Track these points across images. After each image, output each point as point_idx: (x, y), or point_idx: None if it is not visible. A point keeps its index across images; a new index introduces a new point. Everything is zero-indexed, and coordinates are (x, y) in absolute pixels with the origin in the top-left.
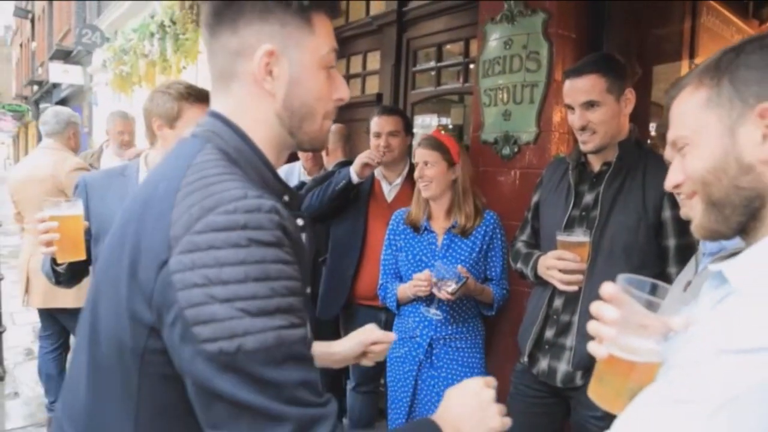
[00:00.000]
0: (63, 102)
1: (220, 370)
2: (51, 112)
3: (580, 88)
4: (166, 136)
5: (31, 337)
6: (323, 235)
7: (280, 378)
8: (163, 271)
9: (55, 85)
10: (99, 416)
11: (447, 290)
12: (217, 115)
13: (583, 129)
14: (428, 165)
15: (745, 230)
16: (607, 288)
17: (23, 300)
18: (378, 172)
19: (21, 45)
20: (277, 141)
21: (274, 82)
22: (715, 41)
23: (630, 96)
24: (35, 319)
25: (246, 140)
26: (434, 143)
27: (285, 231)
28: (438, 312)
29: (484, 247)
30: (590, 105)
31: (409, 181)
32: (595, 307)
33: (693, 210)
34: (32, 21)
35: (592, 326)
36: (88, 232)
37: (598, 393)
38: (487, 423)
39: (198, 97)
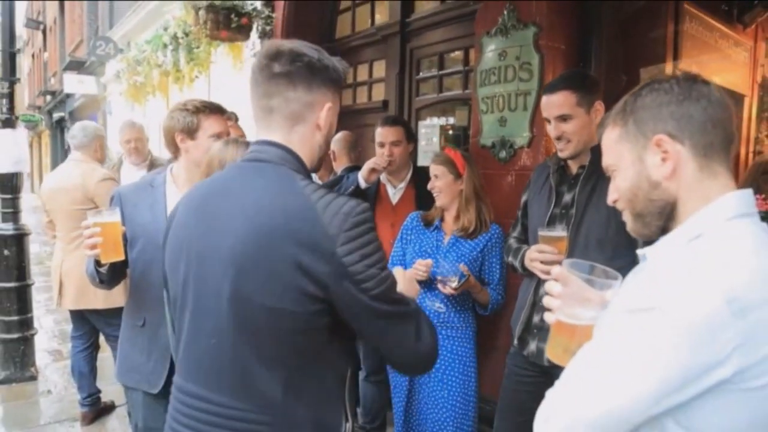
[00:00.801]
0: (77, 111)
1: (381, 301)
2: (78, 127)
3: (553, 103)
4: (189, 148)
5: (58, 340)
6: None
7: (399, 296)
8: (334, 258)
9: (69, 95)
10: (248, 368)
11: (451, 285)
12: (282, 147)
13: (558, 139)
14: (437, 177)
15: (666, 230)
16: (555, 270)
17: (56, 302)
18: (383, 177)
19: (33, 55)
20: (313, 163)
21: (325, 122)
22: (697, 46)
23: (599, 108)
24: (60, 323)
25: (304, 166)
26: (442, 159)
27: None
28: (442, 306)
29: (485, 251)
30: (563, 118)
31: (413, 185)
32: (547, 285)
33: (627, 218)
34: (44, 32)
35: (546, 300)
36: (124, 237)
37: (551, 352)
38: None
39: (211, 109)
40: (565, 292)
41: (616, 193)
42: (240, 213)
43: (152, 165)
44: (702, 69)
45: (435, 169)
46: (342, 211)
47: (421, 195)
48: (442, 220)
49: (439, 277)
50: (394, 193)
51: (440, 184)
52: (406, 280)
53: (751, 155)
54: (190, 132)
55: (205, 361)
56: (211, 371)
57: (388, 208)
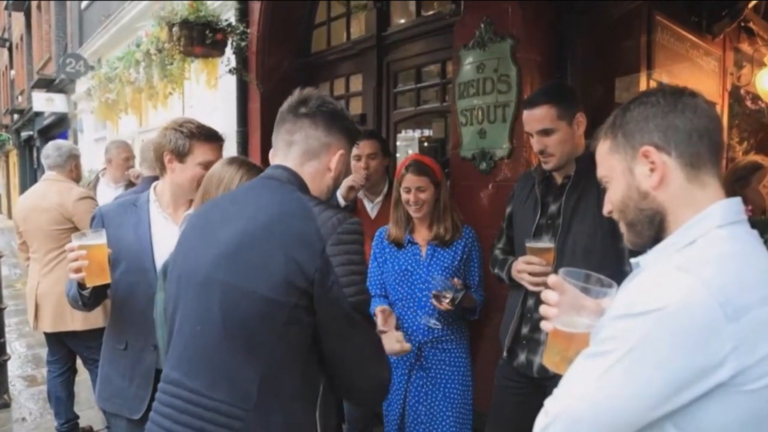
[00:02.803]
0: (46, 130)
1: (356, 311)
2: (52, 146)
3: (535, 117)
4: (175, 169)
5: (32, 365)
6: None
7: (369, 316)
8: (323, 255)
9: (37, 114)
10: (227, 359)
11: (446, 302)
12: (293, 172)
13: (542, 152)
14: (421, 190)
15: (658, 240)
16: (551, 278)
17: (33, 325)
18: (360, 192)
19: None
20: (321, 197)
21: (335, 167)
22: (669, 56)
23: (581, 119)
24: (33, 347)
25: (310, 194)
26: (422, 168)
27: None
28: (437, 322)
29: (464, 257)
30: (545, 132)
31: (390, 198)
32: (543, 294)
33: (622, 229)
34: (9, 49)
35: (542, 309)
36: (108, 258)
37: (548, 360)
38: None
39: (207, 136)
40: (562, 300)
41: (610, 204)
42: (241, 213)
43: (130, 185)
44: (674, 78)
45: (417, 181)
46: (336, 217)
47: None
48: (411, 232)
49: (434, 292)
50: (372, 207)
51: (425, 196)
52: (392, 340)
53: (723, 162)
54: (180, 155)
55: (189, 349)
56: (192, 358)
57: (367, 222)
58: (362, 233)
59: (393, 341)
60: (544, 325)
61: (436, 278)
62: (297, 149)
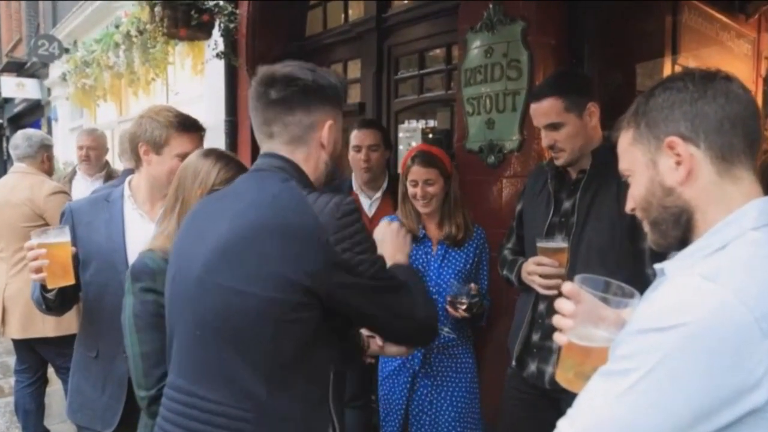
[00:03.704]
0: (17, 118)
1: (376, 279)
2: (22, 136)
3: (540, 111)
4: (152, 162)
5: None
6: None
7: (391, 273)
8: (328, 246)
9: (7, 100)
10: (230, 362)
11: (462, 309)
12: (285, 159)
13: (551, 147)
14: (429, 183)
15: (685, 241)
16: (566, 286)
17: (0, 331)
18: (357, 187)
19: None
20: (319, 180)
21: (328, 140)
22: (697, 39)
23: (593, 109)
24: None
25: (308, 179)
26: (431, 159)
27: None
28: (450, 330)
29: (476, 259)
30: (553, 126)
31: (389, 195)
32: (557, 303)
33: (646, 229)
34: None
35: (555, 319)
36: (76, 259)
37: (562, 376)
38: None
39: (186, 126)
40: (578, 310)
41: (633, 201)
42: (233, 210)
43: (109, 177)
44: (702, 63)
45: (425, 173)
46: (333, 202)
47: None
48: (423, 227)
49: (449, 297)
50: (370, 204)
51: (434, 190)
52: (395, 234)
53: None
54: (156, 146)
55: (191, 354)
56: (195, 364)
57: (365, 221)
58: (357, 210)
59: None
60: (558, 338)
61: (452, 283)
62: (280, 139)
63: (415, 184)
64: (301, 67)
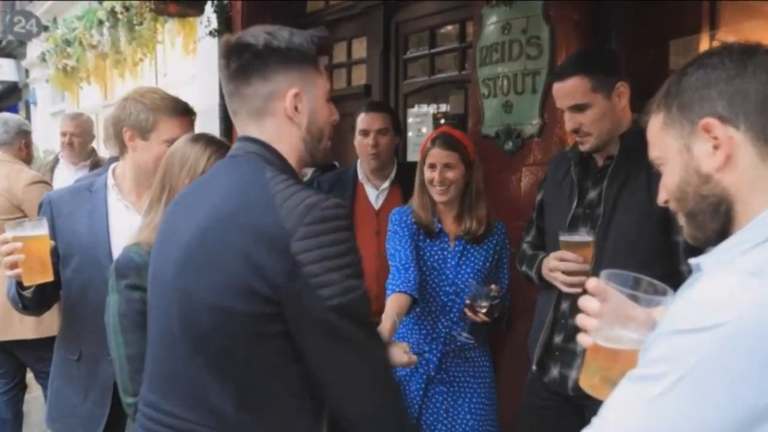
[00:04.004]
0: None
1: (339, 315)
2: None
3: (564, 92)
4: (137, 148)
5: None
6: None
7: (367, 320)
8: (288, 253)
9: None
10: (198, 376)
11: (482, 312)
12: (258, 141)
13: (576, 131)
14: (449, 168)
15: (724, 234)
16: (591, 282)
17: None
18: (362, 176)
19: None
20: (300, 159)
21: (300, 115)
22: (739, 10)
23: (623, 89)
24: None
25: (284, 160)
26: (452, 142)
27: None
28: (470, 336)
29: (496, 257)
30: (578, 108)
31: (398, 185)
32: (581, 301)
33: (682, 222)
34: None
35: (579, 319)
36: (55, 254)
37: (586, 381)
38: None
39: (174, 109)
40: (604, 309)
41: (665, 191)
42: (202, 205)
43: (95, 166)
44: (744, 38)
45: (445, 156)
46: (304, 203)
47: (409, 196)
48: (439, 220)
49: (468, 300)
50: (377, 195)
51: (453, 175)
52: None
53: None
54: (142, 131)
55: (160, 365)
56: (164, 377)
57: (370, 213)
58: (343, 216)
59: (400, 352)
60: (582, 340)
61: (470, 284)
62: (241, 116)
63: (433, 167)
64: (255, 31)
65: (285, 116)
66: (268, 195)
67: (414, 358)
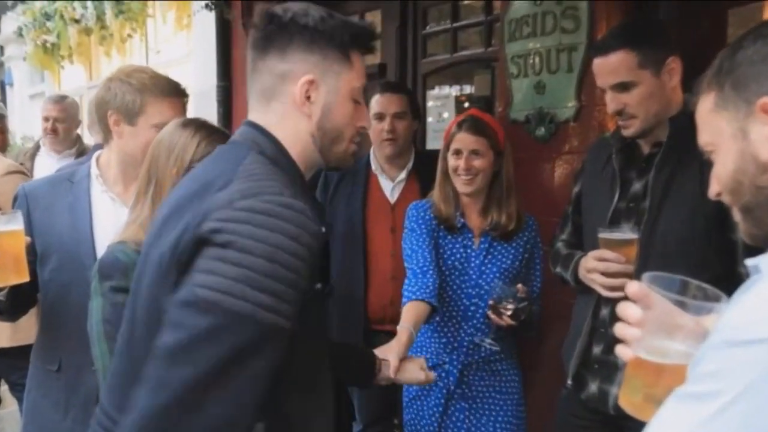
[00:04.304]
0: None
1: (193, 309)
2: None
3: (607, 68)
4: (124, 133)
5: None
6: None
7: (233, 341)
8: (196, 231)
9: None
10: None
11: (508, 315)
12: (257, 126)
13: (619, 113)
14: (476, 155)
15: None
16: (633, 287)
17: None
18: (376, 166)
19: None
20: (307, 157)
21: (311, 106)
22: None
23: (674, 65)
24: None
25: (283, 152)
26: (481, 126)
27: (308, 232)
28: (494, 342)
29: (526, 255)
30: (623, 86)
31: (415, 175)
32: (620, 307)
33: (737, 217)
34: None
35: (618, 328)
36: (32, 251)
37: (627, 399)
38: None
39: (164, 89)
40: (648, 317)
41: (717, 183)
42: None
43: (81, 155)
44: None
45: (473, 143)
46: (249, 190)
47: (428, 188)
48: (462, 215)
49: (491, 301)
50: (393, 187)
51: (481, 164)
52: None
53: None
54: (129, 115)
55: (113, 371)
56: (112, 382)
57: (385, 208)
58: (300, 224)
59: (416, 369)
60: (622, 352)
61: (496, 284)
62: (253, 94)
63: (459, 154)
64: (290, 4)
65: (294, 104)
66: (230, 179)
67: (432, 375)
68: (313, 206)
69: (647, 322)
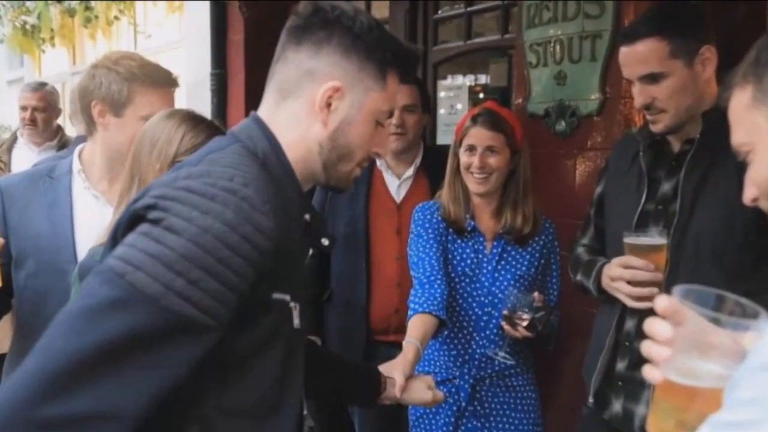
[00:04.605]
0: None
1: (101, 281)
2: None
3: (636, 58)
4: (109, 126)
5: None
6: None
7: (135, 320)
8: (132, 207)
9: None
10: None
11: (523, 326)
12: (259, 122)
13: (647, 107)
14: (492, 152)
15: None
16: (662, 301)
17: None
18: (381, 161)
19: None
20: (307, 167)
21: (330, 114)
22: None
23: (709, 54)
24: None
25: (279, 154)
26: (498, 121)
27: (254, 225)
28: (508, 355)
29: (543, 261)
30: (652, 78)
31: (424, 172)
32: (647, 324)
33: None
34: None
35: (645, 347)
36: (6, 254)
37: (656, 425)
38: None
39: (153, 78)
40: (679, 335)
41: (754, 186)
42: None
43: (62, 148)
44: None
45: (488, 138)
46: (196, 172)
47: (437, 186)
48: (472, 217)
49: (505, 311)
50: (399, 185)
51: (496, 161)
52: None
53: None
54: (115, 105)
55: None
56: None
57: (390, 208)
58: (238, 212)
59: (423, 388)
60: (650, 374)
61: (510, 292)
62: (273, 83)
63: (473, 151)
64: (341, 3)
65: (312, 106)
66: (190, 163)
67: (440, 395)
68: (311, 216)
69: (678, 340)
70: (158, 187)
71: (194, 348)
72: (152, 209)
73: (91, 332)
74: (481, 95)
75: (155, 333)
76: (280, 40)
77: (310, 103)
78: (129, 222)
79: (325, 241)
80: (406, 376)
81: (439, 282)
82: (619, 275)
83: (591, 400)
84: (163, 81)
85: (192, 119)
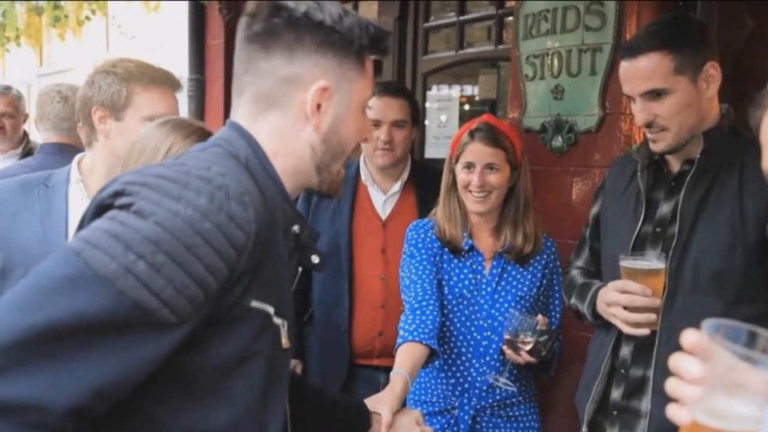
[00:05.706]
0: None
1: (56, 259)
2: None
3: (638, 73)
4: (111, 131)
5: None
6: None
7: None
8: (98, 196)
9: None
10: None
11: (525, 351)
12: (240, 130)
13: (649, 125)
14: (492, 170)
15: None
16: (689, 336)
17: None
18: (366, 176)
19: None
20: (299, 173)
21: (321, 117)
22: None
23: (713, 71)
24: None
25: (263, 160)
26: (497, 137)
27: (229, 216)
28: (509, 382)
29: (545, 282)
30: (655, 95)
31: (411, 188)
32: (674, 360)
33: None
34: None
35: (670, 385)
36: None
37: None
38: None
39: (154, 78)
40: (709, 374)
41: None
42: None
43: (28, 154)
44: None
45: (489, 155)
46: (173, 162)
47: (425, 203)
48: (470, 235)
49: (507, 335)
50: (385, 201)
51: (496, 179)
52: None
53: None
54: (115, 108)
55: None
56: None
57: (375, 225)
58: (212, 200)
59: (411, 424)
60: (677, 415)
61: (511, 314)
62: (247, 96)
63: (471, 168)
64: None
65: (300, 113)
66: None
67: (429, 429)
68: (301, 227)
69: (707, 379)
70: (126, 176)
71: (150, 347)
72: (120, 195)
73: (35, 311)
74: (467, 107)
75: (105, 320)
76: (241, 48)
77: (298, 111)
78: (95, 212)
79: (315, 259)
80: (393, 412)
81: (431, 308)
82: (615, 300)
83: (585, 429)
84: (162, 80)
85: (184, 128)
